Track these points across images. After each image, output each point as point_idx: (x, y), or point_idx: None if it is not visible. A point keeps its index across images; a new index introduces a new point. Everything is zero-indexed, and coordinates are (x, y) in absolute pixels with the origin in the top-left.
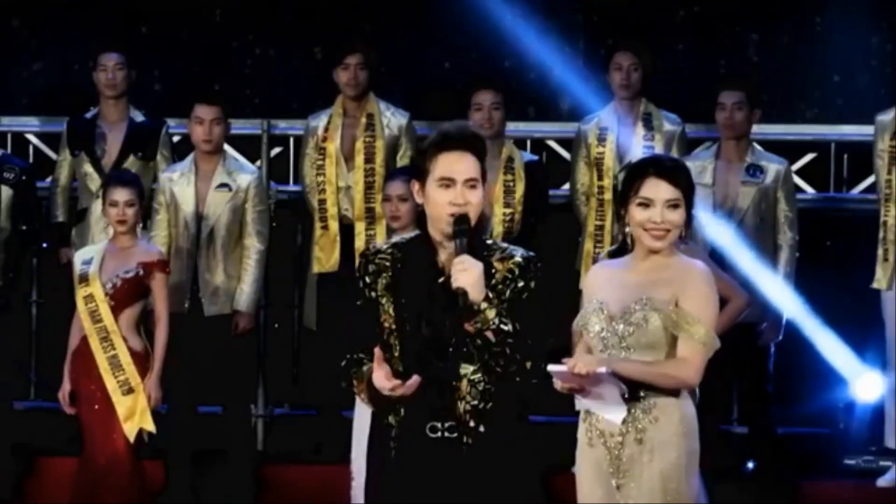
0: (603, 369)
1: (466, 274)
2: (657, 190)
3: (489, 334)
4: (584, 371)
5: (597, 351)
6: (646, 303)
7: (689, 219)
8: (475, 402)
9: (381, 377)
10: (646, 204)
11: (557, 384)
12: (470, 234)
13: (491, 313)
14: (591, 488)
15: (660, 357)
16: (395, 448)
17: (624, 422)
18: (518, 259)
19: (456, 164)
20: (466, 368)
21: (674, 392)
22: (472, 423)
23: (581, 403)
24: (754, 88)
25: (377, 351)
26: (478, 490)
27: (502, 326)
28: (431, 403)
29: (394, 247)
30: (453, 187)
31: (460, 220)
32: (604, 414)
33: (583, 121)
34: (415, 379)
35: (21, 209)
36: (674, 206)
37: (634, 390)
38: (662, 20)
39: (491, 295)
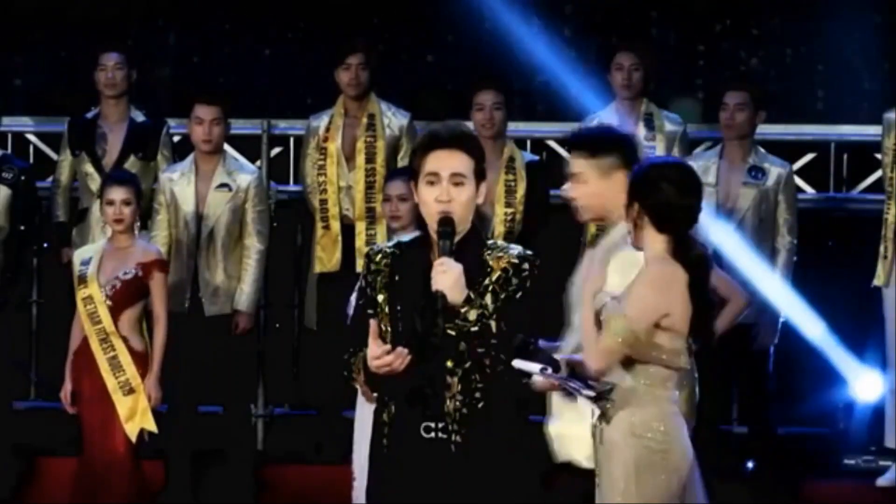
0: (536, 367)
1: (444, 276)
2: None
3: (471, 336)
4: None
5: None
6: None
7: (659, 220)
8: (466, 401)
9: (374, 348)
10: None
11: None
12: (454, 236)
13: (472, 314)
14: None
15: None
16: (387, 446)
17: (594, 421)
18: (514, 258)
19: (441, 161)
20: (457, 369)
21: (630, 394)
22: (462, 423)
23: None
24: (759, 90)
25: (373, 324)
26: (468, 490)
27: (484, 327)
28: (424, 403)
29: (396, 246)
30: (438, 184)
31: (445, 221)
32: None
33: (584, 121)
34: (400, 350)
35: (20, 209)
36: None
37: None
38: (664, 20)
39: (473, 296)
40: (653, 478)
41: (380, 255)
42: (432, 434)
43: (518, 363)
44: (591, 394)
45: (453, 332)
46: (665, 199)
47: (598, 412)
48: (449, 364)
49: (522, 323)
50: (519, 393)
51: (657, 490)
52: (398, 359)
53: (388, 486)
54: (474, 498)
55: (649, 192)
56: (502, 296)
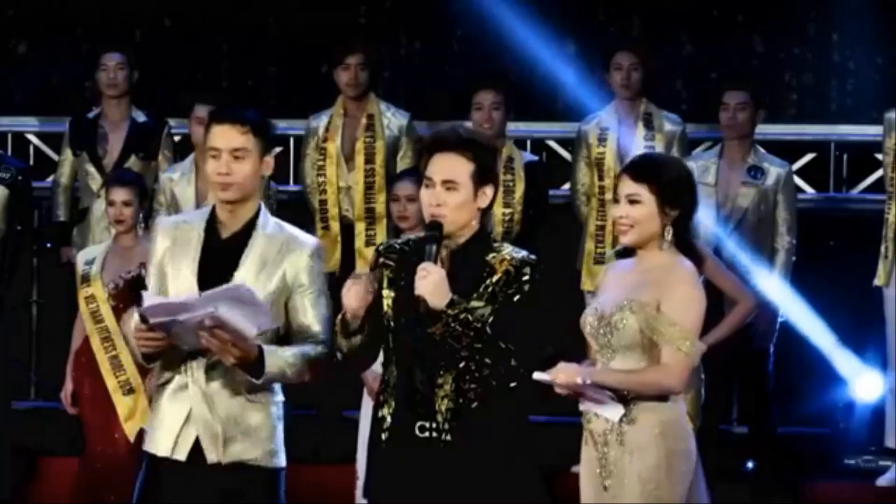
0: (580, 380)
1: (425, 282)
2: (622, 185)
3: (452, 340)
4: (562, 382)
5: (592, 350)
6: (626, 304)
7: (681, 218)
8: (459, 402)
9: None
10: (617, 199)
11: (557, 388)
12: (440, 241)
13: (463, 316)
14: (585, 487)
15: (640, 359)
16: (385, 442)
17: (609, 423)
18: (516, 262)
19: (437, 165)
20: (450, 369)
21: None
22: (454, 423)
23: (582, 405)
24: (758, 89)
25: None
26: (459, 489)
27: (477, 330)
28: (418, 402)
29: (406, 243)
30: (433, 188)
31: (431, 226)
32: (603, 413)
33: (583, 121)
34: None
35: (16, 210)
36: (633, 201)
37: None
38: (665, 20)
39: (457, 298)
40: (678, 476)
41: (389, 251)
42: (426, 433)
43: (538, 375)
44: (615, 399)
45: (442, 335)
46: (693, 201)
47: (613, 416)
48: (441, 364)
49: (527, 328)
50: (518, 393)
51: (682, 488)
52: (360, 285)
53: (383, 483)
54: (465, 497)
55: (686, 193)
56: (501, 298)
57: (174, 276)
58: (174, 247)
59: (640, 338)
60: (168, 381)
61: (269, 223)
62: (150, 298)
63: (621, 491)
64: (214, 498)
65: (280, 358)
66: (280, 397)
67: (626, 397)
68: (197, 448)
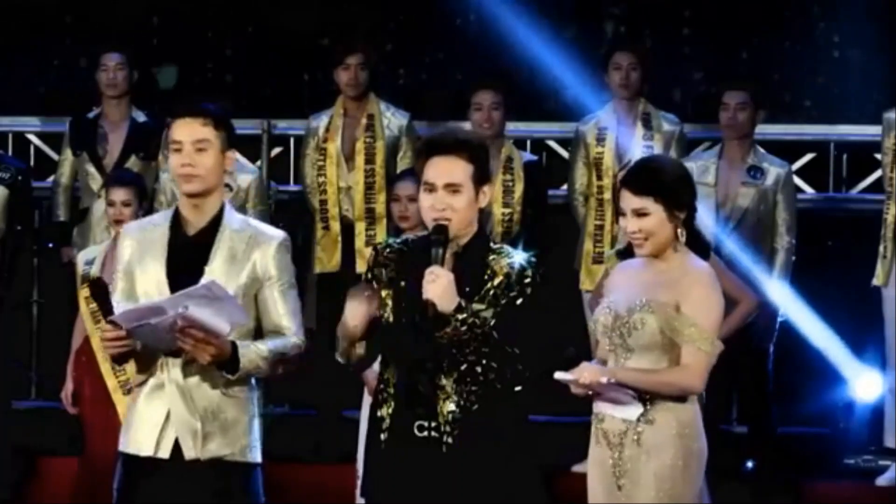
0: (605, 379)
1: (434, 285)
2: (626, 200)
3: (460, 343)
4: (587, 382)
5: (605, 349)
6: (645, 304)
7: (687, 221)
8: (461, 404)
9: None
10: (623, 213)
11: (574, 388)
12: (446, 244)
13: (467, 320)
14: (594, 486)
15: (658, 359)
16: (384, 442)
17: (626, 423)
18: (517, 264)
19: (437, 169)
20: (452, 371)
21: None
22: (455, 424)
23: (597, 406)
24: (758, 89)
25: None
26: (459, 490)
27: (480, 333)
28: (418, 402)
29: (404, 243)
30: (435, 192)
31: (437, 230)
32: (619, 413)
33: (581, 121)
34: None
35: (16, 210)
36: (641, 214)
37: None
38: (665, 20)
39: (464, 303)
40: (693, 476)
41: (388, 250)
42: (425, 433)
43: (560, 375)
44: (636, 398)
45: (447, 338)
46: (694, 196)
47: (631, 415)
48: (444, 366)
49: (532, 330)
50: (519, 395)
51: (696, 488)
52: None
53: (381, 482)
54: (465, 498)
55: (687, 193)
56: (503, 301)
57: (142, 276)
58: (140, 248)
59: (661, 338)
60: (143, 383)
61: (234, 219)
62: (120, 305)
63: (636, 490)
64: (194, 495)
65: (254, 352)
66: (257, 393)
67: (643, 397)
68: (177, 446)
